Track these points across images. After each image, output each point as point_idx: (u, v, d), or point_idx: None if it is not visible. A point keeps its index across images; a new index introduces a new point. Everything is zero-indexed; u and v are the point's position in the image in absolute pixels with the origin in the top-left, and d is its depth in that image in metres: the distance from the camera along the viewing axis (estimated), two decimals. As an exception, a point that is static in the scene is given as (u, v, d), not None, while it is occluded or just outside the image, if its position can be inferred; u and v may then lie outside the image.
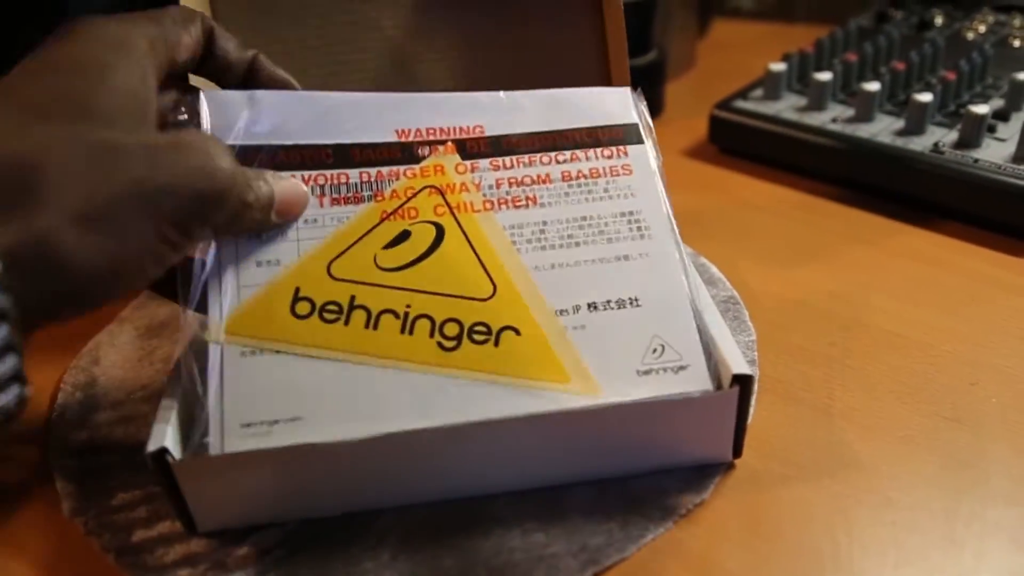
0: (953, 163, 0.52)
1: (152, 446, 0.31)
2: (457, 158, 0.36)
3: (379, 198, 0.34)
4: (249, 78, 0.36)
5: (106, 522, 0.34)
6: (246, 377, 0.32)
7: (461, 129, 0.36)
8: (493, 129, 0.37)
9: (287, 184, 0.34)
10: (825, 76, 0.59)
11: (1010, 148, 0.52)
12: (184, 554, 0.33)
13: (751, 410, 0.35)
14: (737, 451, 0.35)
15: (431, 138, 0.36)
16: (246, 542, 0.33)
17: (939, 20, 0.71)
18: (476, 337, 0.32)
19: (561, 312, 0.33)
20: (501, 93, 0.38)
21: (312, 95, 0.37)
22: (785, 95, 0.62)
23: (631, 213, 0.36)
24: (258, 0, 0.44)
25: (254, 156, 0.34)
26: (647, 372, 0.33)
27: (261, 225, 0.33)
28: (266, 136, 0.35)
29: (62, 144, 0.27)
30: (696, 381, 0.33)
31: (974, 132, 0.53)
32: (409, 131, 0.36)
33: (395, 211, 0.34)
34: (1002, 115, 0.55)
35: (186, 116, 0.35)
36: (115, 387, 0.42)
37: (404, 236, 0.34)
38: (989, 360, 0.41)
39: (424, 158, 0.35)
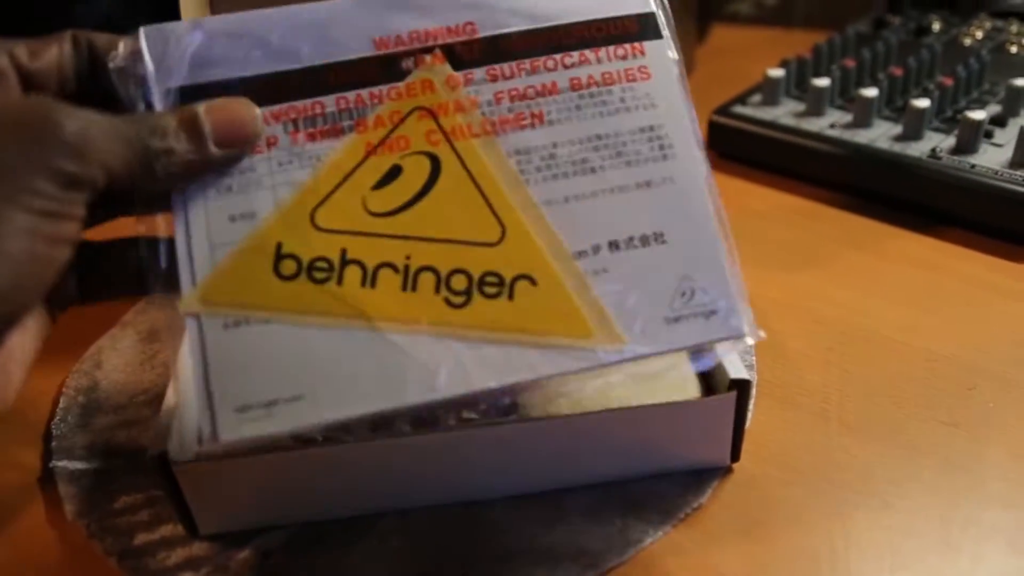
0: (950, 169, 0.52)
1: (153, 449, 0.31)
2: (448, 69, 0.31)
3: (361, 128, 0.30)
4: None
5: (108, 525, 0.34)
6: (233, 353, 0.27)
7: (449, 31, 0.31)
8: (487, 28, 0.31)
9: (217, 104, 0.29)
10: (823, 82, 0.59)
11: (1007, 154, 0.53)
12: (186, 557, 0.33)
13: (749, 415, 0.36)
14: (735, 455, 0.35)
15: (415, 45, 0.31)
16: (248, 545, 0.33)
17: (937, 26, 0.72)
18: (488, 290, 0.29)
19: (580, 254, 0.29)
20: None
21: (269, 13, 0.31)
22: (784, 101, 0.62)
23: (651, 128, 0.31)
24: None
25: (204, 97, 0.29)
26: (676, 319, 0.29)
27: (202, 164, 0.29)
28: (220, 69, 0.30)
29: None
30: (726, 327, 0.29)
31: (971, 138, 0.53)
32: (389, 39, 0.31)
33: (381, 142, 0.30)
34: (999, 121, 0.56)
35: (125, 61, 0.30)
36: (117, 391, 0.42)
37: (395, 172, 0.30)
38: (986, 365, 0.41)
39: (409, 72, 0.30)
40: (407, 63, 0.30)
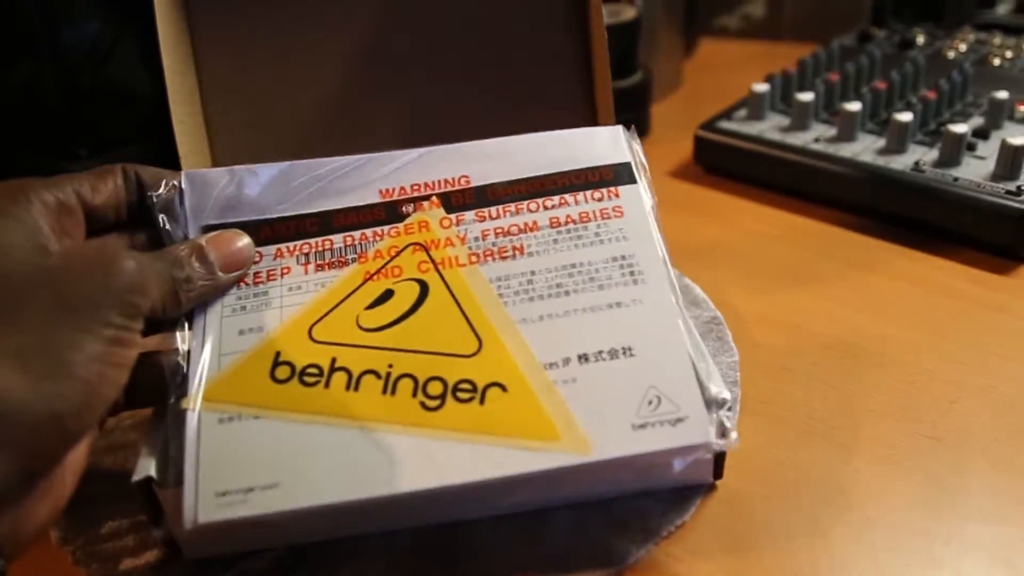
0: (933, 182, 0.53)
1: (138, 475, 0.31)
2: (442, 212, 0.35)
3: (363, 260, 0.34)
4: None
5: (94, 551, 0.35)
6: (223, 444, 0.31)
7: (446, 182, 0.36)
8: (478, 179, 0.36)
9: (215, 235, 0.34)
10: (807, 96, 0.60)
11: (989, 166, 0.53)
12: (171, 582, 0.33)
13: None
14: (718, 473, 0.35)
15: (415, 194, 0.36)
16: (233, 569, 0.33)
17: (921, 39, 0.72)
18: (460, 395, 0.31)
19: (550, 366, 0.32)
20: (487, 141, 0.37)
21: (293, 165, 0.37)
22: (769, 115, 0.63)
23: (623, 257, 0.35)
24: (240, 48, 0.44)
25: None
26: (642, 426, 0.31)
27: (214, 288, 0.34)
28: (245, 211, 0.35)
29: None
30: (695, 433, 0.31)
31: (953, 151, 0.54)
32: (392, 190, 0.36)
33: (378, 271, 0.34)
34: (982, 133, 0.56)
35: (166, 197, 0.35)
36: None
37: (387, 295, 0.33)
38: (969, 378, 0.42)
39: (408, 215, 0.35)
40: (407, 208, 0.35)
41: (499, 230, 0.35)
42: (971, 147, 0.55)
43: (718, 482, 0.36)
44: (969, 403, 0.40)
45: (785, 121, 0.62)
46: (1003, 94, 0.57)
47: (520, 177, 0.36)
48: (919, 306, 0.47)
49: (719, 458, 0.35)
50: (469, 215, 0.35)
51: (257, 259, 0.35)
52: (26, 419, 0.26)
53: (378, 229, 0.35)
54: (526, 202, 0.36)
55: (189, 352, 0.33)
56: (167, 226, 0.35)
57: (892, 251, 0.53)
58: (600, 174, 0.37)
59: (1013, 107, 0.59)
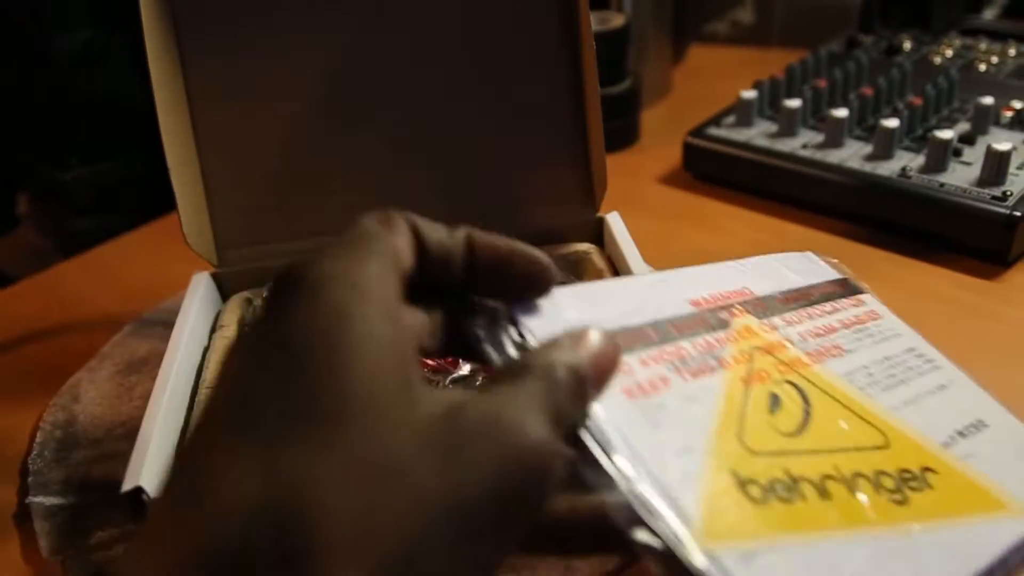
0: (920, 187, 0.53)
1: (127, 485, 0.31)
2: (754, 319, 0.34)
3: (725, 366, 0.31)
4: (469, 257, 0.28)
5: (84, 562, 0.35)
6: None
7: (736, 293, 0.35)
8: (757, 291, 0.36)
9: (599, 356, 0.26)
10: (795, 103, 0.60)
11: (975, 172, 0.53)
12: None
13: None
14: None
15: (720, 304, 0.34)
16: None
17: (907, 45, 0.73)
18: (912, 484, 0.30)
19: (945, 444, 0.32)
20: (735, 262, 0.37)
21: (604, 284, 0.37)
22: (757, 122, 0.63)
23: (912, 349, 0.36)
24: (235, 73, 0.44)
25: None
26: None
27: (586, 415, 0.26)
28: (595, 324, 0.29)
29: (320, 482, 0.20)
30: None
31: (940, 157, 0.54)
32: (700, 300, 0.34)
33: (750, 376, 0.32)
34: (968, 139, 0.57)
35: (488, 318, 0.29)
36: (94, 424, 0.42)
37: (776, 400, 0.31)
38: (955, 383, 0.42)
39: (728, 322, 0.33)
40: (723, 315, 0.34)
41: (810, 332, 0.35)
42: (957, 153, 0.55)
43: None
44: (955, 408, 0.40)
45: (773, 127, 0.62)
46: (988, 100, 0.58)
47: (788, 288, 0.37)
48: (907, 311, 0.47)
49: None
50: (777, 320, 0.35)
51: (624, 368, 0.29)
52: None
53: (710, 336, 0.32)
54: (806, 310, 0.36)
55: (628, 485, 0.26)
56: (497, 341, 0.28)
57: (880, 257, 0.53)
58: (841, 286, 0.39)
59: (999, 112, 0.59)
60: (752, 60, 0.86)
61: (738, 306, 0.34)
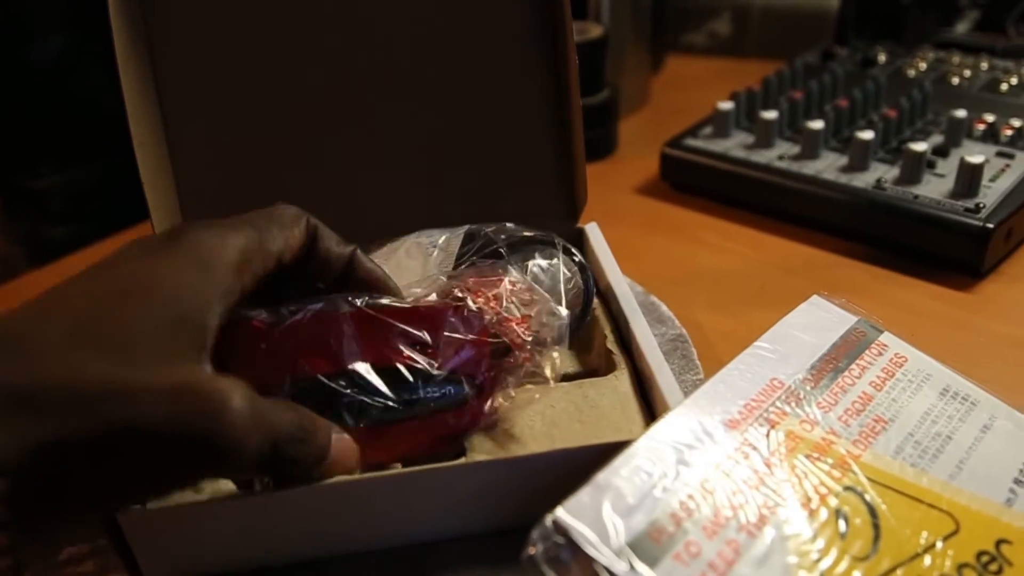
0: (894, 199, 0.53)
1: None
2: (794, 420, 0.33)
3: (783, 497, 0.30)
4: (346, 274, 0.35)
5: (52, 578, 0.34)
6: None
7: (766, 391, 0.34)
8: (785, 378, 0.35)
9: (342, 445, 0.31)
10: (771, 114, 0.61)
11: (949, 184, 0.54)
12: (131, 609, 0.33)
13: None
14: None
15: (756, 413, 0.33)
16: (194, 595, 0.33)
17: (882, 57, 0.73)
18: (992, 567, 0.30)
19: (1008, 502, 0.32)
20: (753, 348, 0.36)
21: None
22: (734, 133, 0.63)
23: (945, 390, 0.36)
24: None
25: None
26: None
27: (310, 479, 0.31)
28: (642, 515, 0.29)
29: (61, 378, 0.26)
30: None
31: (914, 169, 0.54)
32: (737, 418, 0.33)
33: (809, 500, 0.31)
34: (942, 151, 0.57)
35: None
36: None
37: (843, 519, 0.30)
38: (930, 394, 0.42)
39: (770, 435, 0.33)
40: (763, 429, 0.33)
41: (850, 412, 0.34)
42: (931, 165, 0.56)
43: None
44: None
45: (750, 139, 0.62)
46: (961, 113, 0.59)
47: (814, 362, 0.36)
48: (884, 323, 0.48)
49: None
50: (815, 412, 0.34)
51: (692, 549, 0.28)
52: None
53: (763, 459, 0.31)
54: (837, 383, 0.35)
55: None
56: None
57: (856, 268, 0.53)
58: (857, 336, 0.38)
59: (972, 125, 0.60)
60: (730, 70, 0.86)
61: (775, 408, 0.33)
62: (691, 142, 0.63)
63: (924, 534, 0.30)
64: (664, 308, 0.49)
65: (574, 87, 0.45)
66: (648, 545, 0.28)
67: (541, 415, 0.36)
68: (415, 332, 0.34)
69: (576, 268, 0.41)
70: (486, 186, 0.47)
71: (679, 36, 0.92)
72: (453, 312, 0.35)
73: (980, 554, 0.30)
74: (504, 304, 0.37)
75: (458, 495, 0.34)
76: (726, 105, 0.63)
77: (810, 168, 0.58)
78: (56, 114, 0.66)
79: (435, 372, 0.33)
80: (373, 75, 0.45)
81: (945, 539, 0.30)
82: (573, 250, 0.42)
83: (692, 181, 0.63)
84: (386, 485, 0.32)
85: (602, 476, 0.29)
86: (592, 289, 0.42)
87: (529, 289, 0.38)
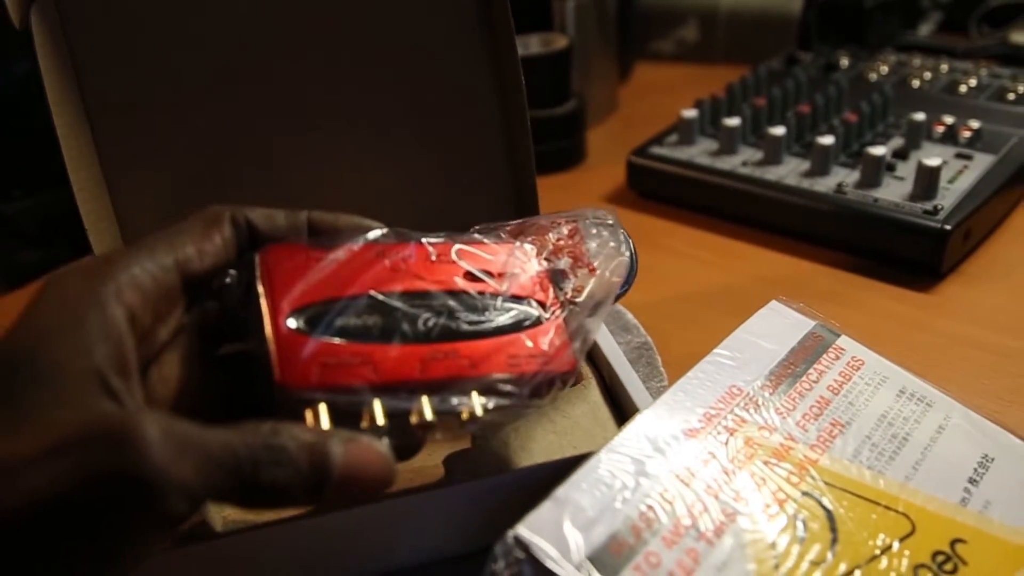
0: (855, 203, 0.54)
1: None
2: (753, 428, 0.34)
3: (743, 507, 0.31)
4: (317, 234, 0.32)
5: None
6: None
7: (725, 398, 0.35)
8: (743, 384, 0.35)
9: (357, 449, 0.27)
10: (734, 121, 0.61)
11: (908, 187, 0.55)
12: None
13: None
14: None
15: (715, 421, 0.33)
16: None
17: (845, 62, 0.74)
18: (947, 567, 0.31)
19: (963, 501, 0.33)
20: (713, 355, 0.37)
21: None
22: (699, 140, 0.64)
23: (901, 391, 0.37)
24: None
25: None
26: None
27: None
28: (602, 527, 0.29)
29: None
30: None
31: (874, 172, 0.55)
32: (696, 427, 0.33)
33: (768, 507, 0.31)
34: (901, 154, 0.58)
35: None
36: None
37: (800, 524, 0.31)
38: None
39: (729, 442, 0.33)
40: (722, 436, 0.33)
41: (808, 417, 0.35)
42: (891, 168, 0.57)
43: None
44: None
45: (714, 146, 0.63)
46: (921, 115, 0.60)
47: (772, 368, 0.36)
48: (846, 326, 0.48)
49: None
50: (773, 417, 0.34)
51: (652, 560, 0.29)
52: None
53: (721, 467, 0.32)
54: (795, 387, 0.36)
55: None
56: None
57: (819, 272, 0.54)
58: (814, 341, 0.39)
59: (931, 128, 0.61)
60: (697, 77, 0.87)
61: (734, 416, 0.34)
62: (656, 150, 0.64)
63: (881, 536, 0.31)
64: (629, 316, 0.49)
65: (520, 112, 0.44)
66: (608, 557, 0.28)
67: (515, 430, 0.37)
68: (483, 255, 0.34)
69: (622, 236, 0.41)
70: (435, 201, 0.47)
71: (646, 43, 0.93)
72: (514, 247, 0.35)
73: (936, 554, 0.31)
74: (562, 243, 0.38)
75: (442, 517, 0.34)
76: (690, 113, 0.64)
77: (773, 174, 0.59)
78: (28, 138, 0.66)
79: (503, 290, 0.33)
80: (318, 92, 0.44)
81: (901, 540, 0.31)
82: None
83: (658, 189, 0.64)
84: (370, 513, 0.33)
85: (562, 490, 0.30)
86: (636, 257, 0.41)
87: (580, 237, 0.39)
